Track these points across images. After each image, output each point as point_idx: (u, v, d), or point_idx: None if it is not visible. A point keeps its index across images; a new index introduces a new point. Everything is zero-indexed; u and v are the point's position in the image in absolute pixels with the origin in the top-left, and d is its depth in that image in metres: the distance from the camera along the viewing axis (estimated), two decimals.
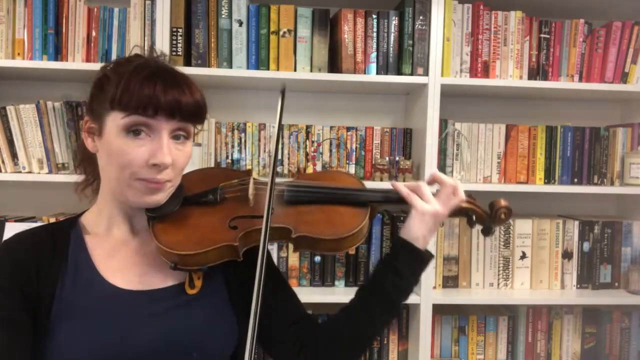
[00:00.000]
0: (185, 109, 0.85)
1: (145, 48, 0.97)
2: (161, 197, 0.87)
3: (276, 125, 0.85)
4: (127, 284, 0.88)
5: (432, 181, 1.01)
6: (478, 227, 1.05)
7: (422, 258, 0.96)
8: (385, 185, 1.76)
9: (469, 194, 1.03)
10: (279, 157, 1.85)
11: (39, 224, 1.71)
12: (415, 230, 0.95)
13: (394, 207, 1.98)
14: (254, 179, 0.98)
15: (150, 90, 0.81)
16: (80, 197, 0.98)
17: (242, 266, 0.91)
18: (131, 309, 0.85)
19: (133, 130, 0.83)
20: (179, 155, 0.87)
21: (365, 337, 0.98)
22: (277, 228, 0.90)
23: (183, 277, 0.90)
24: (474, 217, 1.02)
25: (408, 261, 0.95)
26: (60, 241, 0.90)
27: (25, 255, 0.86)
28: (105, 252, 0.90)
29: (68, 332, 0.82)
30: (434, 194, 0.98)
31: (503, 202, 1.01)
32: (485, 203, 1.05)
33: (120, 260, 0.90)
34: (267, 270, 1.01)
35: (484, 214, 1.03)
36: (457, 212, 1.00)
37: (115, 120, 0.83)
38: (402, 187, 0.98)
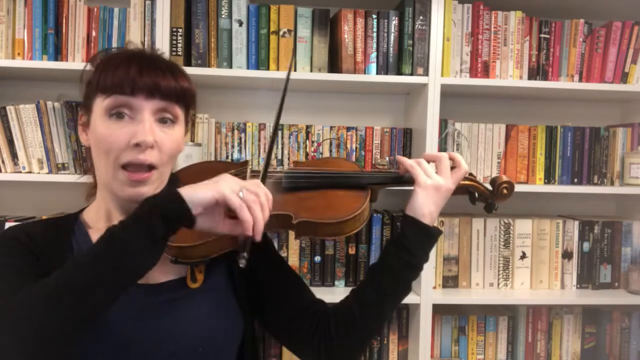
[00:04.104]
0: (165, 88, 0.83)
1: (139, 43, 0.98)
2: (147, 190, 0.85)
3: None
4: None
5: (428, 160, 1.01)
6: (480, 204, 1.06)
7: (429, 234, 0.95)
8: None
9: (469, 172, 1.04)
10: (279, 157, 1.85)
11: None
12: (421, 206, 0.94)
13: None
14: (251, 169, 0.98)
15: (126, 70, 0.82)
16: (90, 201, 0.98)
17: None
18: (133, 302, 0.85)
19: (116, 114, 0.83)
20: (164, 138, 0.85)
21: (378, 318, 0.96)
22: (278, 215, 0.90)
23: (184, 272, 0.90)
24: (476, 194, 1.03)
25: (416, 238, 0.94)
26: (65, 234, 0.90)
27: (37, 246, 0.86)
28: None
29: None
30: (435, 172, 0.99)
31: (504, 178, 1.02)
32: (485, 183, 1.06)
33: None
34: (271, 258, 1.01)
35: (486, 191, 1.03)
36: (459, 189, 1.00)
37: (98, 105, 0.84)
38: (406, 159, 1.00)
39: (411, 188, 0.98)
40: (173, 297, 0.88)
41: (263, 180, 0.86)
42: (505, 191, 1.01)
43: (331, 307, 1.00)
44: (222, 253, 0.89)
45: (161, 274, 0.89)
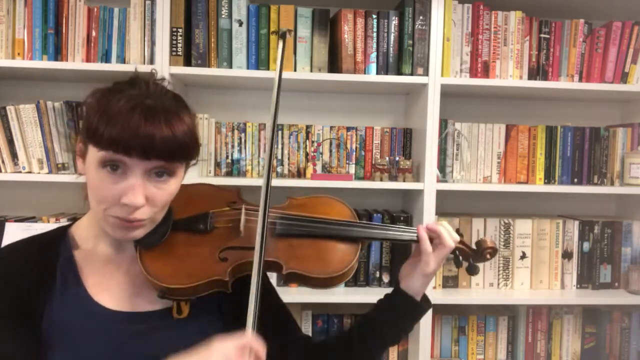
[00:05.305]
0: (160, 148, 0.79)
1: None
2: (138, 234, 0.84)
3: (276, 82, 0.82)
4: (115, 304, 0.87)
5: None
6: (464, 265, 1.07)
7: (421, 311, 1.01)
8: (385, 185, 1.77)
9: (460, 234, 1.04)
10: (279, 157, 1.85)
11: (38, 224, 1.71)
12: (418, 288, 1.00)
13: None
14: (245, 207, 0.95)
15: (121, 129, 0.77)
16: (86, 203, 0.97)
17: (236, 291, 0.90)
18: (117, 330, 0.85)
19: (110, 165, 0.79)
20: (157, 194, 0.82)
21: None
22: (268, 262, 0.89)
23: (171, 303, 0.89)
24: (460, 258, 1.04)
25: (409, 315, 1.00)
26: (49, 257, 0.88)
27: (17, 273, 0.85)
28: (94, 269, 0.89)
29: (56, 354, 0.82)
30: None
31: (489, 243, 1.04)
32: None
33: (109, 279, 0.89)
34: (266, 294, 1.01)
35: (469, 252, 1.04)
36: None
37: (93, 152, 0.80)
38: (427, 242, 0.98)
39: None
40: (155, 326, 0.88)
41: (264, 218, 0.84)
42: (488, 256, 1.04)
43: (317, 347, 1.03)
44: (209, 292, 0.88)
45: (148, 303, 0.89)
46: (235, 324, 0.92)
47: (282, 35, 0.91)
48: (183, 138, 0.82)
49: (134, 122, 0.78)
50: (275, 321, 1.00)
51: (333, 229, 0.96)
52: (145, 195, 0.81)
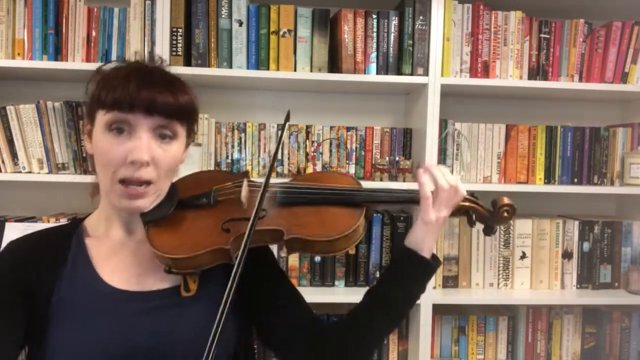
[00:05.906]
0: (162, 105, 0.84)
1: (146, 52, 0.98)
2: (143, 203, 0.87)
3: (278, 142, 0.84)
4: (124, 284, 0.89)
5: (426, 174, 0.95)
6: (479, 227, 1.02)
7: (429, 267, 0.95)
8: (385, 185, 1.77)
9: (471, 192, 1.00)
10: (279, 157, 1.86)
11: (38, 224, 1.71)
12: (421, 241, 0.94)
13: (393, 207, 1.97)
14: (248, 180, 0.97)
15: (125, 87, 0.83)
16: (93, 201, 0.98)
17: (244, 268, 0.91)
18: (126, 308, 0.86)
19: (116, 129, 0.84)
20: (161, 154, 0.86)
21: (373, 344, 0.98)
22: (269, 230, 0.90)
23: (179, 280, 0.90)
24: (473, 217, 0.99)
25: (415, 273, 0.94)
26: (62, 244, 0.92)
27: (26, 258, 0.89)
28: (104, 253, 0.91)
29: (64, 331, 0.83)
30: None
31: (506, 200, 0.98)
32: (484, 202, 1.02)
33: (118, 261, 0.91)
34: (272, 272, 1.01)
35: (486, 213, 0.99)
36: (457, 211, 0.97)
37: (100, 119, 0.85)
38: (426, 187, 0.93)
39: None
40: (163, 304, 0.89)
41: (261, 199, 0.85)
42: (505, 214, 0.98)
43: (327, 327, 1.00)
44: (215, 265, 0.89)
45: (156, 281, 0.90)
46: (241, 297, 0.93)
47: (287, 117, 0.94)
48: (183, 98, 0.87)
49: (134, 84, 0.83)
50: (279, 299, 0.99)
51: (332, 194, 0.95)
52: (151, 155, 0.84)
